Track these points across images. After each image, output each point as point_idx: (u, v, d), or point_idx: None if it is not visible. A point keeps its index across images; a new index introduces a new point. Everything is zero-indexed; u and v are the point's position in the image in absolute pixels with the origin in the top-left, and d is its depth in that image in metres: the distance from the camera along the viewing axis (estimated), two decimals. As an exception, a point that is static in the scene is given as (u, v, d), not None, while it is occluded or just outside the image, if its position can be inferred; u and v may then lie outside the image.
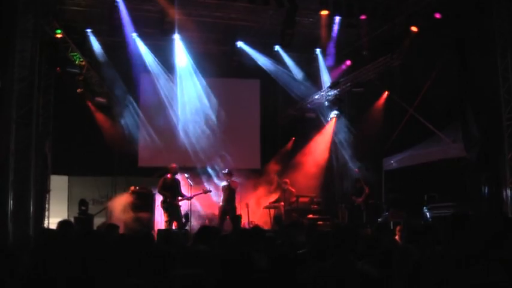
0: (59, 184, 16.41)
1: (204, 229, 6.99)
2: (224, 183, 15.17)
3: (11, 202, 9.95)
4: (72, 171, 16.94)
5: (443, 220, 11.90)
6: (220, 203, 14.96)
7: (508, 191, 12.15)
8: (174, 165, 14.38)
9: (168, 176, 14.23)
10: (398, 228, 8.64)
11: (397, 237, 8.98)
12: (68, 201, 16.69)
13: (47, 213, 15.27)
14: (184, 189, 14.51)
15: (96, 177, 16.74)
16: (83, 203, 15.13)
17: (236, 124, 18.17)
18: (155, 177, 15.56)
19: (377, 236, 6.23)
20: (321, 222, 15.31)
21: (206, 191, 14.75)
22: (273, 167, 17.60)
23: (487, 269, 4.13)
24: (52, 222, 14.98)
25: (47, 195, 15.39)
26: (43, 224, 14.37)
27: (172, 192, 13.96)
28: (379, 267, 4.75)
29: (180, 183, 14.38)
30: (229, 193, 14.97)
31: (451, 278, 4.24)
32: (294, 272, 4.17)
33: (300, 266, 4.29)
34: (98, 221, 15.12)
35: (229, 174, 15.21)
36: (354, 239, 4.80)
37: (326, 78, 17.93)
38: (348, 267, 3.92)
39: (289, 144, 18.96)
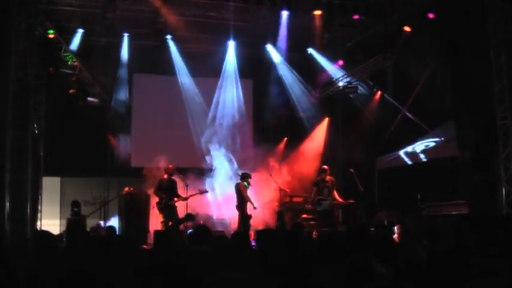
0: (51, 185, 16.29)
1: (200, 229, 6.95)
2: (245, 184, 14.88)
3: (7, 204, 9.87)
4: (65, 173, 16.82)
5: (452, 220, 12.03)
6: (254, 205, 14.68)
7: (502, 190, 12.23)
8: (170, 165, 14.32)
9: (165, 176, 14.18)
10: (398, 227, 8.67)
11: (395, 236, 9.02)
12: (61, 202, 16.57)
13: (39, 215, 15.15)
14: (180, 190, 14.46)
15: (89, 178, 16.64)
16: (75, 204, 15.02)
17: (229, 124, 18.17)
18: (148, 178, 15.62)
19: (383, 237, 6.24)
20: (313, 222, 15.31)
21: (202, 192, 14.67)
22: (266, 167, 17.56)
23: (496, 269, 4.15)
24: (44, 224, 14.89)
25: (40, 197, 15.28)
26: (35, 226, 14.24)
27: (168, 193, 13.91)
28: (387, 267, 4.75)
29: (176, 184, 14.31)
30: None
31: (457, 277, 4.25)
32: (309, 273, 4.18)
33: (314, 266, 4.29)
34: (89, 223, 15.09)
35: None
36: (367, 239, 4.81)
37: (319, 78, 18.00)
38: (364, 268, 3.91)
39: (282, 144, 18.93)
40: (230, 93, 18.47)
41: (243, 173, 15.13)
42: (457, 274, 4.05)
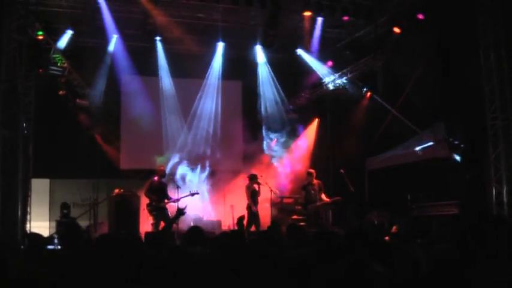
0: (40, 187, 16.12)
1: (194, 230, 6.91)
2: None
3: (-2, 206, 9.81)
4: (53, 175, 16.69)
5: (443, 220, 12.06)
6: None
7: (493, 190, 12.30)
8: (162, 167, 14.30)
9: (155, 178, 14.13)
10: (394, 228, 8.69)
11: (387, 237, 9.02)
12: (50, 204, 16.43)
13: (28, 216, 15.00)
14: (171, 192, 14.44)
15: (78, 180, 16.53)
16: (64, 206, 14.94)
17: (218, 125, 18.15)
18: (138, 180, 15.55)
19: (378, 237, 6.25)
20: (303, 223, 15.32)
21: (193, 193, 14.63)
22: (256, 168, 17.52)
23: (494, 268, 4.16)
24: (33, 226, 14.73)
25: (29, 199, 15.13)
26: (25, 228, 14.11)
27: (158, 195, 13.86)
28: (385, 267, 4.75)
29: (167, 186, 14.30)
30: None
31: (457, 277, 4.25)
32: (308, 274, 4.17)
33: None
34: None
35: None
36: (365, 240, 4.80)
37: (308, 79, 18.01)
38: (364, 268, 3.90)
39: (272, 145, 18.89)
40: (216, 95, 18.43)
41: (250, 175, 15.20)
42: (457, 274, 4.04)
